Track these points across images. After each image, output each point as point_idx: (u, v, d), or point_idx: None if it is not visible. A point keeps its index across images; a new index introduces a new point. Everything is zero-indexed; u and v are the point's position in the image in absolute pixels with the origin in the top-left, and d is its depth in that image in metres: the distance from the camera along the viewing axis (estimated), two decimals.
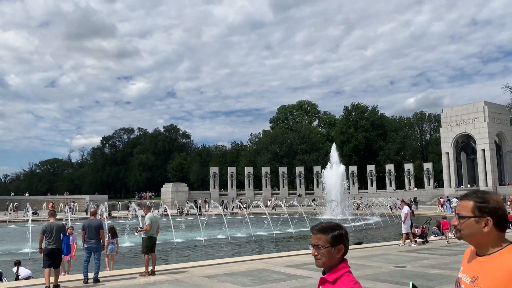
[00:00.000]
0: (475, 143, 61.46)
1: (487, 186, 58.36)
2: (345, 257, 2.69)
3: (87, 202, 56.68)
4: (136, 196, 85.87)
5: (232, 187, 73.48)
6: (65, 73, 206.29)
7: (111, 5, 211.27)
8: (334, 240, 2.63)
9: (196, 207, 45.27)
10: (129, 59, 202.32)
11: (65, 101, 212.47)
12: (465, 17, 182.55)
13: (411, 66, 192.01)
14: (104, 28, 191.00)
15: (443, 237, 21.43)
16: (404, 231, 18.80)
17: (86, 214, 48.83)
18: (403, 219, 18.95)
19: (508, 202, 44.11)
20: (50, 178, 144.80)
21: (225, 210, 47.95)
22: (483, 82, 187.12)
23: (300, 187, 74.66)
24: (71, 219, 32.08)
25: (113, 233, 14.47)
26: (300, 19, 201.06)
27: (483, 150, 59.55)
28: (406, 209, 19.28)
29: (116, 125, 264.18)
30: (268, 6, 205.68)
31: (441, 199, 51.55)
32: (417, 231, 20.68)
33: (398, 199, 52.05)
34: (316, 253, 2.65)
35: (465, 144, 63.97)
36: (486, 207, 2.24)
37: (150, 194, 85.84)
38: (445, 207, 48.59)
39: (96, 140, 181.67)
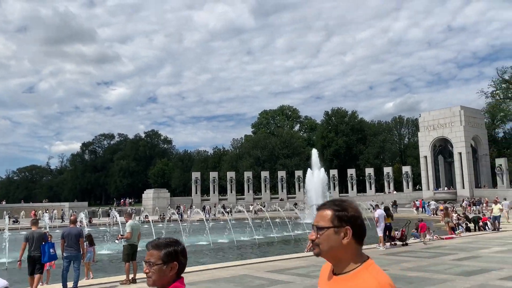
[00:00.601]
0: (452, 147, 62.71)
1: (464, 188, 59.61)
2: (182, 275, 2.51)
3: (62, 210, 55.43)
4: (115, 203, 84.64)
5: (214, 193, 73.21)
6: (43, 78, 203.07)
7: (91, 10, 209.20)
8: (167, 257, 2.43)
9: (178, 213, 44.97)
10: (109, 64, 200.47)
11: (44, 107, 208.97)
12: (441, 24, 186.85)
13: (389, 71, 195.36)
14: (83, 33, 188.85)
15: (424, 239, 21.80)
16: (379, 234, 19.09)
17: (62, 222, 47.97)
18: (375, 222, 19.28)
19: (484, 204, 45.13)
20: (28, 185, 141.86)
21: (207, 215, 47.74)
22: (459, 87, 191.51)
23: (282, 191, 74.87)
24: (49, 227, 31.48)
25: (90, 240, 14.29)
26: (280, 25, 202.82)
27: (460, 153, 60.81)
28: (377, 212, 19.53)
29: (96, 131, 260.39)
30: (249, 12, 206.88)
31: (417, 202, 52.45)
32: (397, 234, 20.99)
33: (373, 201, 52.81)
34: (147, 270, 2.44)
35: (442, 148, 65.22)
36: (345, 216, 2.08)
37: (130, 200, 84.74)
38: (421, 210, 49.57)
39: (76, 146, 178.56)
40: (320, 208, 2.18)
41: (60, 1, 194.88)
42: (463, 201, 50.54)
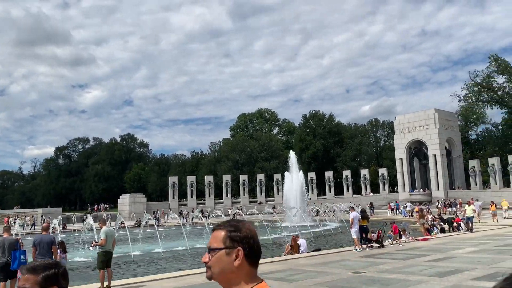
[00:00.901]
0: (426, 149, 64.00)
1: (438, 190, 60.84)
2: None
3: (33, 216, 53.73)
4: (89, 208, 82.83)
5: (192, 197, 72.66)
6: (15, 81, 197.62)
7: (65, 11, 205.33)
8: (45, 282, 2.13)
9: (155, 218, 44.42)
10: (84, 66, 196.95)
11: (16, 110, 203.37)
12: (416, 27, 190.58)
13: (365, 74, 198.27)
14: (57, 34, 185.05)
15: (400, 241, 22.11)
16: (353, 236, 19.11)
17: (31, 229, 46.47)
18: (350, 224, 19.42)
19: (458, 205, 46.13)
20: (0, 191, 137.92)
21: (184, 220, 47.35)
22: (433, 90, 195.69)
23: (261, 194, 74.89)
24: (21, 234, 30.63)
25: (63, 248, 13.92)
26: (258, 28, 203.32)
27: (434, 155, 62.10)
28: (352, 214, 19.56)
29: (71, 135, 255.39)
30: (227, 15, 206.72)
31: (391, 204, 53.30)
32: (373, 236, 21.22)
33: (351, 202, 53.40)
34: None
35: (417, 150, 66.49)
36: (238, 236, 1.97)
37: (105, 206, 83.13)
38: (398, 211, 50.42)
39: (50, 151, 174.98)
40: (215, 229, 2.07)
41: (32, 2, 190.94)
42: (438, 202, 51.54)
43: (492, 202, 37.79)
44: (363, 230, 19.59)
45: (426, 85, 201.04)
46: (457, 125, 71.76)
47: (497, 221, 33.40)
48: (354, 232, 18.90)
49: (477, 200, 40.43)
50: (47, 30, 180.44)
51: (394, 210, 51.39)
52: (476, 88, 76.14)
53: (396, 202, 54.85)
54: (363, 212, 20.58)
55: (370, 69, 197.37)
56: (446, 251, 17.76)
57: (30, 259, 11.81)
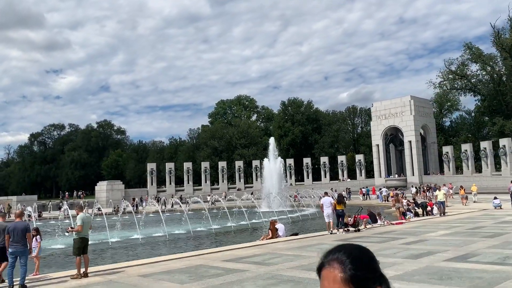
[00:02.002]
0: (402, 135, 65.17)
1: (413, 175, 62.18)
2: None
3: (9, 205, 52.06)
4: (60, 196, 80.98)
5: (170, 184, 72.31)
6: None
7: None
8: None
9: (133, 205, 44.08)
10: (59, 51, 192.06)
11: None
12: (393, 15, 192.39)
13: (344, 62, 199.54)
14: (30, 18, 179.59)
15: (375, 225, 22.58)
16: (326, 220, 20.01)
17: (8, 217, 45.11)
18: (320, 209, 20.35)
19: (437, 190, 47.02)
20: None
21: (163, 207, 47.16)
22: (410, 78, 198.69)
23: (240, 181, 75.09)
24: None
25: (39, 234, 13.72)
26: (237, 14, 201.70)
27: (410, 141, 63.31)
28: (322, 199, 20.68)
29: (45, 121, 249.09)
30: (205, 0, 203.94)
31: (363, 189, 54.98)
32: (350, 220, 21.59)
33: (331, 189, 54.08)
34: None
35: (393, 136, 67.63)
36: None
37: (78, 193, 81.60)
38: (368, 197, 52.55)
39: (24, 137, 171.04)
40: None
41: None
42: (417, 187, 52.56)
43: (461, 186, 39.11)
44: (339, 214, 19.94)
45: (403, 73, 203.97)
46: (432, 112, 73.20)
47: (465, 205, 34.60)
48: (326, 217, 19.79)
49: (444, 185, 41.98)
50: (20, 13, 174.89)
51: (365, 195, 52.69)
52: (450, 76, 77.66)
53: (367, 187, 56.36)
54: (339, 197, 20.91)
55: (349, 57, 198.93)
56: (420, 234, 18.25)
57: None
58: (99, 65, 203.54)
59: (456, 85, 79.27)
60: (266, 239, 19.43)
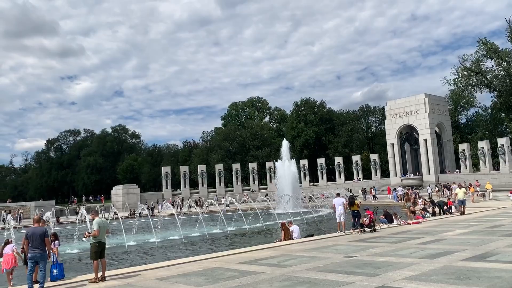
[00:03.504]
0: (417, 134, 64.46)
1: (429, 174, 61.44)
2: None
3: (4, 211, 50.66)
4: (69, 201, 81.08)
5: (185, 186, 72.72)
6: (3, 74, 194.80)
7: (51, 1, 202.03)
8: None
9: (149, 209, 44.46)
10: (73, 57, 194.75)
11: (5, 104, 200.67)
12: (405, 12, 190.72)
13: (356, 61, 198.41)
14: (45, 25, 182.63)
15: (391, 225, 22.39)
16: (337, 220, 20.29)
17: (4, 224, 44.29)
18: (333, 209, 20.68)
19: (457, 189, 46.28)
20: None
21: (178, 209, 47.43)
22: (423, 75, 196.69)
23: (254, 183, 75.14)
24: (15, 228, 30.51)
25: (58, 239, 13.92)
26: (247, 16, 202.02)
27: (425, 140, 62.58)
28: (334, 200, 20.80)
29: (61, 127, 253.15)
30: (215, 2, 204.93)
31: (373, 190, 55.32)
32: (365, 220, 21.44)
33: (347, 189, 53.79)
34: None
35: (408, 135, 66.95)
36: None
37: (90, 198, 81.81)
38: (369, 197, 52.76)
39: (40, 144, 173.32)
40: None
41: None
42: (437, 186, 51.84)
43: (470, 184, 38.84)
44: (355, 215, 19.86)
45: (416, 70, 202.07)
46: (447, 110, 72.24)
47: (473, 202, 34.54)
48: (338, 217, 20.09)
49: (454, 183, 41.66)
50: (34, 21, 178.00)
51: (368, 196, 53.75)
52: (465, 72, 76.45)
53: (373, 187, 57.14)
54: (351, 198, 20.74)
55: (361, 55, 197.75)
56: (437, 233, 18.03)
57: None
58: (112, 70, 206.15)
59: (471, 82, 78.02)
60: (279, 240, 19.43)
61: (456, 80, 78.12)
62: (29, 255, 11.00)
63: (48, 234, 11.59)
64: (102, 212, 38.86)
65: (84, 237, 12.99)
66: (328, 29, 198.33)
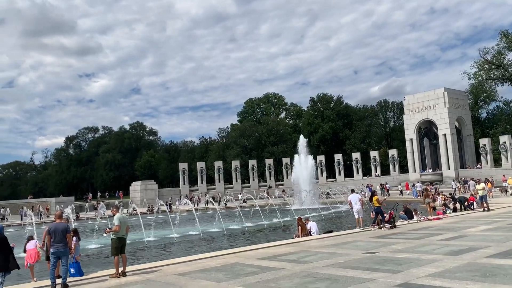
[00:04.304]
0: (437, 129, 63.44)
1: (449, 169, 60.45)
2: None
3: (22, 208, 51.44)
4: (84, 197, 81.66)
5: (202, 183, 73.10)
6: (23, 72, 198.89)
7: (69, 0, 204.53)
8: None
9: (167, 205, 44.80)
10: (91, 55, 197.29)
11: (25, 102, 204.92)
12: (424, 5, 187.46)
13: (373, 55, 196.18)
14: (63, 24, 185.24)
15: (411, 221, 22.07)
16: (355, 216, 20.32)
17: (21, 220, 45.00)
18: (349, 206, 20.82)
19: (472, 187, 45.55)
20: (13, 182, 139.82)
21: (196, 205, 47.68)
22: (442, 69, 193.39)
23: (270, 179, 75.09)
24: (36, 224, 31.05)
25: (78, 235, 14.03)
26: (263, 11, 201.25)
27: (445, 135, 61.56)
28: (350, 196, 20.79)
29: (80, 124, 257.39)
30: None
31: (386, 185, 55.09)
32: (385, 216, 21.18)
33: (365, 185, 53.27)
34: None
35: (427, 130, 65.94)
36: None
37: (105, 194, 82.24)
38: (385, 192, 51.78)
39: (60, 141, 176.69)
40: None
41: None
42: (460, 181, 50.95)
43: (486, 179, 38.16)
44: (377, 211, 19.59)
45: (435, 64, 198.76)
46: (467, 104, 70.89)
47: (492, 197, 33.88)
48: (356, 213, 20.13)
49: (472, 179, 40.89)
50: (53, 19, 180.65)
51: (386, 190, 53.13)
52: (486, 66, 74.81)
53: (386, 183, 57.04)
54: (373, 194, 20.53)
55: (378, 50, 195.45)
56: (459, 229, 17.69)
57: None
58: (129, 68, 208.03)
59: (492, 75, 76.31)
60: (296, 236, 19.33)
61: (477, 73, 76.51)
62: (51, 250, 11.12)
63: (70, 230, 11.71)
64: (121, 208, 39.23)
65: (105, 233, 13.09)
66: (345, 23, 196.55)
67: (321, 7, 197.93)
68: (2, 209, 53.83)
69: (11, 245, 12.57)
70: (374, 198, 19.73)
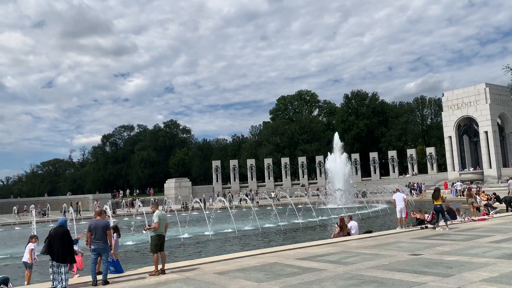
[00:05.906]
0: (477, 126, 61.05)
1: (491, 168, 58.07)
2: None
3: (77, 203, 53.72)
4: (111, 194, 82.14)
5: (235, 180, 73.25)
6: (62, 72, 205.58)
7: (105, 1, 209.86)
8: None
9: (201, 202, 45.05)
10: (126, 55, 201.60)
11: (63, 101, 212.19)
12: None
13: (409, 51, 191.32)
14: (99, 25, 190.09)
15: (454, 221, 21.15)
16: (397, 216, 19.93)
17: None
18: (393, 204, 20.42)
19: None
20: (52, 179, 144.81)
21: (229, 203, 47.71)
22: (481, 64, 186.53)
23: (303, 177, 74.42)
24: (75, 219, 31.81)
25: (118, 232, 14.10)
26: (295, 8, 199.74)
27: (486, 132, 59.16)
28: (394, 195, 20.31)
29: (116, 123, 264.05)
30: None
31: (415, 185, 53.40)
32: (427, 216, 20.42)
33: (407, 184, 51.88)
34: None
35: (467, 127, 63.56)
36: None
37: (135, 191, 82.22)
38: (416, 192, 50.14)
39: (97, 139, 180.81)
40: None
41: None
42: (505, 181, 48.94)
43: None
44: (438, 210, 18.75)
45: (474, 59, 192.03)
46: (510, 100, 67.80)
47: None
48: (398, 212, 19.69)
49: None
50: (89, 20, 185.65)
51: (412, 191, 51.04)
52: None
53: (416, 183, 54.98)
54: (436, 191, 19.36)
55: (414, 45, 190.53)
56: (509, 231, 16.75)
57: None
58: (163, 67, 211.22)
59: None
60: (333, 235, 18.87)
61: None
62: (92, 247, 11.17)
63: (110, 226, 11.73)
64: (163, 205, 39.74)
65: (144, 230, 13.08)
66: (379, 19, 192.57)
67: (354, 2, 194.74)
68: (39, 206, 55.49)
69: (77, 237, 13.07)
70: (441, 196, 18.94)
